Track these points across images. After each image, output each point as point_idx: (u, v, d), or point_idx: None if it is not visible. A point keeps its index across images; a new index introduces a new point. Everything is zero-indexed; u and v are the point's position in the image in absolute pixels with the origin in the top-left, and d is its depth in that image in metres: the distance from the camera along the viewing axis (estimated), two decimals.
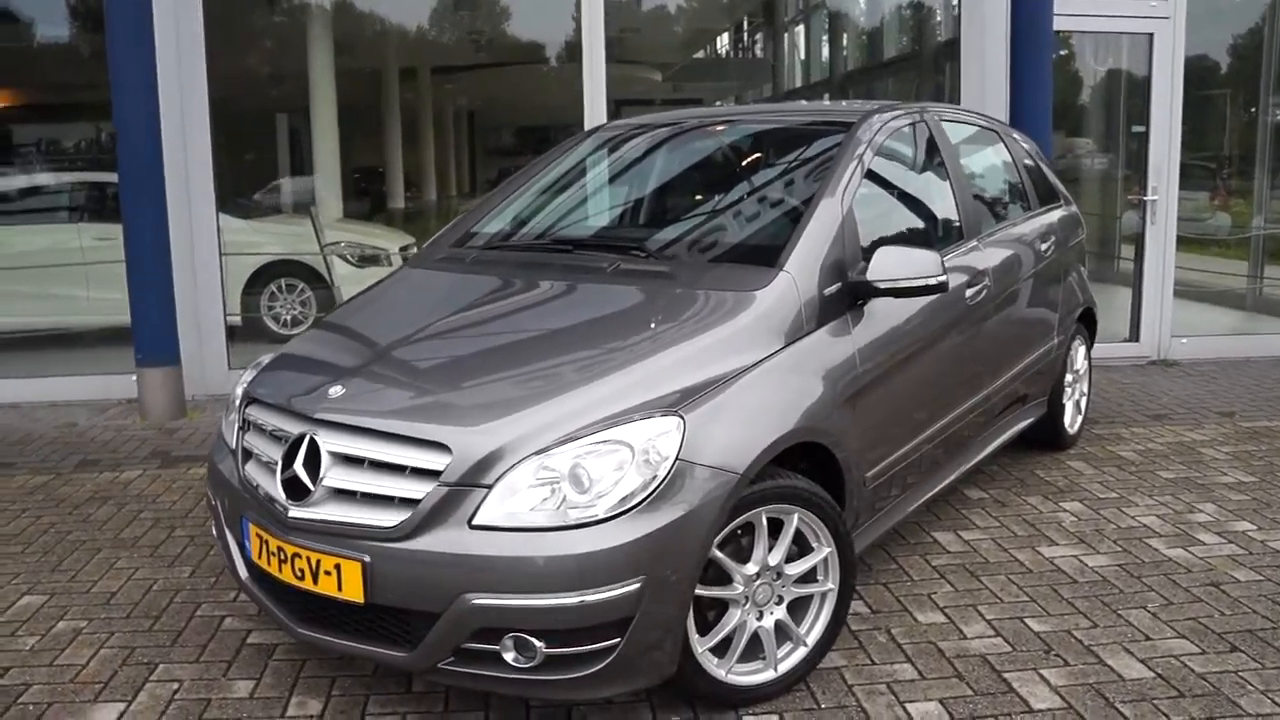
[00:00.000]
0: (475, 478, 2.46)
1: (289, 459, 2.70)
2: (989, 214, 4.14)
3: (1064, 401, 4.80)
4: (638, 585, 2.41)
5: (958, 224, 3.83)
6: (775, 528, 2.77)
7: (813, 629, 2.90)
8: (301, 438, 2.69)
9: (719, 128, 3.94)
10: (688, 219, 3.65)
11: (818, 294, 3.00)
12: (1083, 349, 4.99)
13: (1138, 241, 6.90)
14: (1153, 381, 6.41)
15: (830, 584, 2.91)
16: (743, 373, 2.73)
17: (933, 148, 3.88)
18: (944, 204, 3.85)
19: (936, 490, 3.75)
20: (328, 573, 2.58)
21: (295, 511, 2.63)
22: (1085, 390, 5.09)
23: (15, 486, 4.65)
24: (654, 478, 2.45)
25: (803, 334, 2.93)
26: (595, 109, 6.41)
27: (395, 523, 2.49)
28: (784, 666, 2.85)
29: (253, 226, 7.67)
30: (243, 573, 2.92)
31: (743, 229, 3.44)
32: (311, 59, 8.59)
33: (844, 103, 3.95)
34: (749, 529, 2.72)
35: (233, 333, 6.40)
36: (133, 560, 3.82)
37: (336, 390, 2.77)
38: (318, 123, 8.68)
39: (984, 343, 3.85)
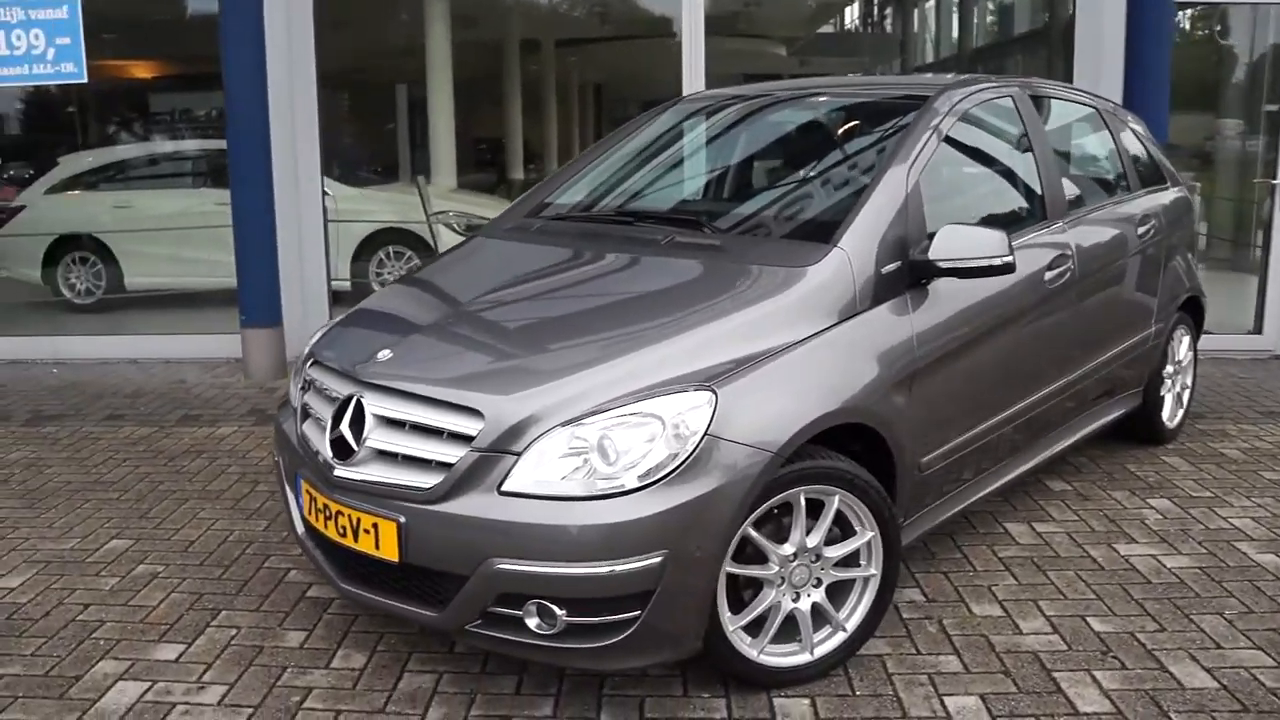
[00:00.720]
0: (506, 444, 2.49)
1: (337, 419, 2.79)
2: (1079, 194, 3.93)
3: (1162, 393, 4.54)
4: (659, 559, 2.40)
5: (1041, 203, 3.66)
6: (818, 509, 2.73)
7: (853, 614, 2.84)
8: (349, 399, 2.78)
9: (797, 101, 3.86)
10: (752, 192, 3.59)
11: (874, 272, 2.91)
12: (1187, 339, 4.71)
13: (1266, 228, 6.45)
14: (1273, 377, 6.00)
15: (873, 569, 2.84)
16: (786, 349, 2.68)
17: (1019, 124, 3.70)
18: (1026, 182, 3.68)
19: (1008, 480, 3.61)
20: (366, 531, 2.65)
21: (340, 470, 2.72)
22: (1189, 383, 4.81)
23: (122, 437, 4.94)
24: (682, 452, 2.44)
25: (856, 312, 2.85)
26: (694, 83, 6.35)
27: (430, 485, 2.54)
28: (820, 650, 2.80)
29: (363, 195, 7.90)
30: (299, 528, 3.03)
31: (803, 203, 3.36)
32: (428, 30, 8.75)
33: (929, 76, 3.80)
34: (789, 509, 2.68)
35: (340, 298, 6.62)
36: (215, 511, 4.01)
37: (384, 354, 2.84)
38: (434, 94, 8.85)
39: (1066, 328, 3.67)
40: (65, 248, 7.06)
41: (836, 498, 2.72)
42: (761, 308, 2.74)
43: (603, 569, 2.40)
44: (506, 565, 2.44)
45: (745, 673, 2.73)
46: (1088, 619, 3.14)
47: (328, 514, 2.76)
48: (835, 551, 2.77)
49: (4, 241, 7.00)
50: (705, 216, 3.24)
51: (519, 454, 2.48)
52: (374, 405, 2.71)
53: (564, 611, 2.45)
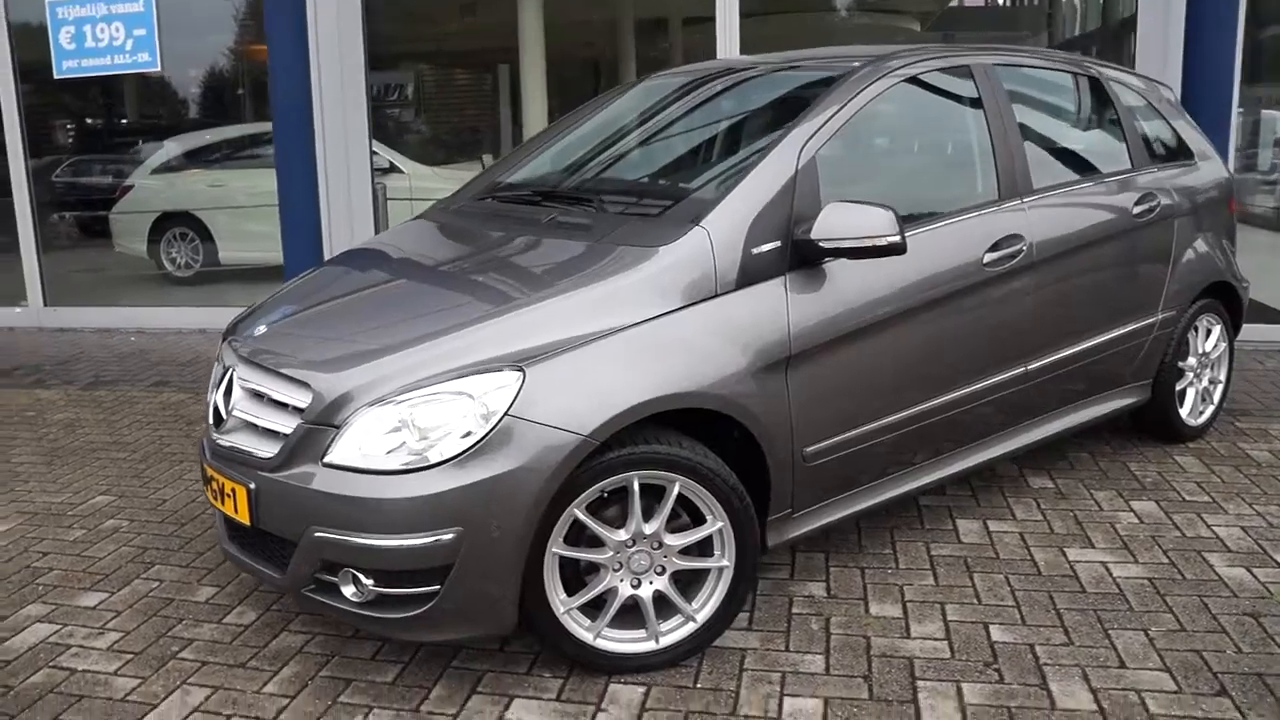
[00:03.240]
0: (329, 418, 2.56)
1: (218, 388, 2.94)
2: (1050, 172, 3.61)
3: (1180, 387, 4.14)
4: (453, 535, 2.42)
5: (994, 181, 3.39)
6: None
7: (706, 605, 2.77)
8: (228, 370, 2.92)
9: (747, 77, 3.70)
10: (657, 170, 3.48)
11: (743, 252, 2.79)
12: (1216, 329, 4.26)
13: None
14: None
15: (725, 560, 2.75)
16: (619, 330, 2.61)
17: (973, 97, 3.44)
18: (975, 159, 3.42)
19: (954, 472, 3.39)
20: (229, 495, 2.78)
21: (215, 436, 2.87)
22: (1222, 377, 4.35)
23: (158, 402, 5.33)
24: (482, 431, 2.44)
25: (715, 294, 2.75)
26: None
27: (271, 454, 2.65)
28: (668, 640, 2.74)
29: (438, 174, 8.13)
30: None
31: (692, 181, 3.24)
32: (521, 7, 8.85)
33: (888, 48, 3.57)
34: (649, 493, 2.64)
35: None
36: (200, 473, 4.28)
37: (260, 329, 2.97)
38: (526, 73, 8.95)
39: (1019, 314, 3.40)
40: (167, 224, 7.62)
41: (677, 485, 2.65)
42: (602, 287, 2.68)
43: (398, 542, 2.44)
44: (323, 534, 2.52)
45: (581, 656, 2.70)
46: (991, 627, 2.92)
47: (206, 478, 2.92)
48: (678, 540, 2.70)
49: (116, 218, 7.64)
50: (600, 195, 3.19)
51: (338, 427, 2.54)
52: (242, 377, 2.85)
53: (371, 581, 2.51)
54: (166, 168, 7.62)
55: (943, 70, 3.42)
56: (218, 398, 2.92)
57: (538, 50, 8.87)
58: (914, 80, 3.32)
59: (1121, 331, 3.79)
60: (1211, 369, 4.31)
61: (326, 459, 2.54)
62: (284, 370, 2.71)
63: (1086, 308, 3.65)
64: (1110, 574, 3.21)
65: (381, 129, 8.12)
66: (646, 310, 2.67)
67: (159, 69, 6.30)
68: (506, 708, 2.62)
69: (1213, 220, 4.18)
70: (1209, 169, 4.25)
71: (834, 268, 2.95)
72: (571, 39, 10.67)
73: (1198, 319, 4.14)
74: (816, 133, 2.99)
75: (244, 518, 2.73)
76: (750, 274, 2.81)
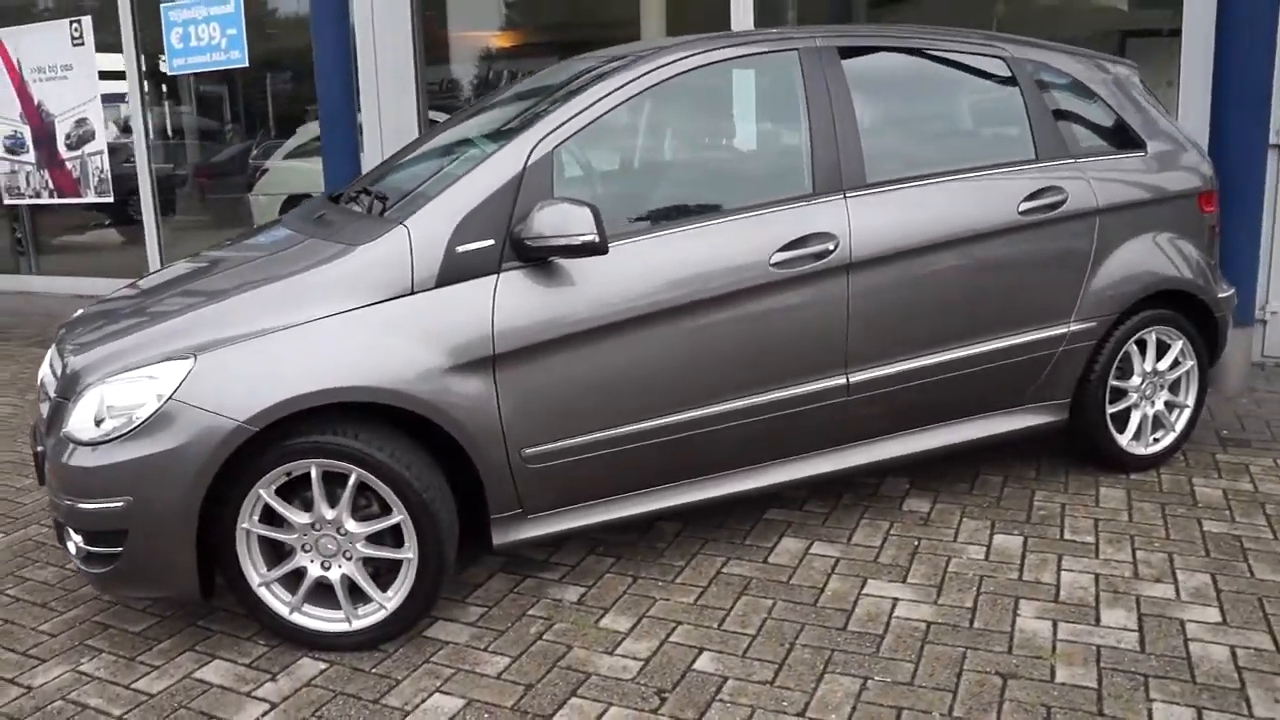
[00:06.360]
0: (66, 393, 2.84)
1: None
2: (899, 165, 3.21)
3: (1111, 409, 3.58)
4: (122, 504, 2.64)
5: (805, 177, 3.11)
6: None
7: (397, 594, 2.82)
8: None
9: (611, 68, 3.55)
10: (433, 165, 3.39)
11: (446, 251, 2.78)
12: (1178, 345, 3.63)
13: None
14: None
15: (410, 553, 2.78)
16: (299, 325, 2.69)
17: (787, 86, 3.16)
18: (776, 153, 3.16)
19: (744, 490, 3.19)
20: (33, 455, 3.15)
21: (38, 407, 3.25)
22: (1190, 401, 3.71)
23: None
24: (148, 412, 2.63)
25: (410, 291, 2.76)
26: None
27: (46, 420, 2.98)
28: (361, 623, 2.83)
29: None
30: None
31: (438, 179, 3.15)
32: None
33: (726, 34, 3.30)
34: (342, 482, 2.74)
35: None
36: None
37: (78, 313, 3.32)
38: None
39: (824, 322, 3.09)
40: (292, 206, 8.37)
41: (354, 475, 2.71)
42: (294, 283, 2.77)
43: (85, 505, 2.69)
44: (54, 495, 2.82)
45: (279, 629, 2.84)
46: (705, 654, 2.74)
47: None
48: (361, 528, 2.77)
49: (254, 199, 8.48)
50: (380, 194, 3.21)
51: (70, 401, 2.82)
52: (50, 354, 3.21)
53: (80, 539, 2.78)
54: (297, 153, 8.35)
55: (750, 57, 3.17)
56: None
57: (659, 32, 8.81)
58: (710, 68, 3.11)
59: (1006, 344, 3.34)
60: (1171, 391, 3.70)
61: (63, 430, 2.82)
62: (60, 349, 3.04)
63: (940, 316, 3.25)
64: (890, 614, 2.90)
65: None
66: (332, 306, 2.73)
67: (247, 64, 6.93)
68: (204, 665, 2.81)
69: (1167, 218, 3.56)
70: (1168, 160, 3.62)
71: (569, 268, 2.87)
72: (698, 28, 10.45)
73: (1143, 332, 3.57)
74: (557, 128, 2.92)
75: (39, 479, 3.09)
76: (453, 272, 2.79)
